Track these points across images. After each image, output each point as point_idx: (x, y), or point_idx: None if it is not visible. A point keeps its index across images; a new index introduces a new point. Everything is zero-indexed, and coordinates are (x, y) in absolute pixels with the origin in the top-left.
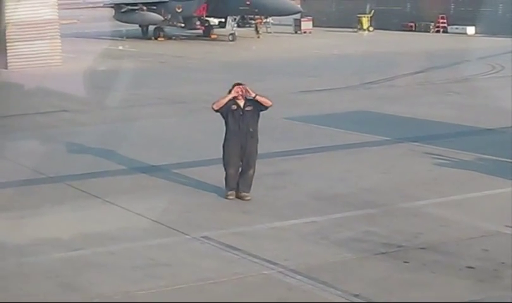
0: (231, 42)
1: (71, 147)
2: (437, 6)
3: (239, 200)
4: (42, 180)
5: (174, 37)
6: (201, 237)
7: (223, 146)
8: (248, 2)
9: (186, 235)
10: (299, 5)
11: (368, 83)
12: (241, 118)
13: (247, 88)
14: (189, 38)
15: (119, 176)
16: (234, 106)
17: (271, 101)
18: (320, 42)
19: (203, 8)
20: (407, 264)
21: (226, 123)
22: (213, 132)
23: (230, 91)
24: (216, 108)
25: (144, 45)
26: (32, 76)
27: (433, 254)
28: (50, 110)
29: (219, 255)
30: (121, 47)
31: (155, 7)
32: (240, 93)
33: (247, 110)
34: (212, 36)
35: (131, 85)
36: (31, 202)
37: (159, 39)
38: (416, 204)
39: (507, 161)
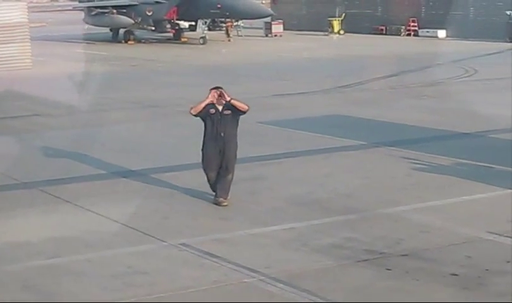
0: (201, 45)
1: (44, 151)
2: (408, 9)
3: (217, 207)
4: (15, 185)
5: (143, 40)
6: (179, 244)
7: (202, 150)
8: (218, 6)
9: (163, 241)
10: (270, 9)
11: (341, 86)
12: (219, 122)
13: (223, 91)
14: (159, 41)
15: (94, 181)
16: (213, 110)
17: (247, 105)
18: (291, 45)
19: (174, 11)
20: (389, 271)
21: (205, 127)
22: (187, 137)
23: (208, 97)
24: (194, 113)
25: (114, 48)
26: (1, 80)
27: (415, 261)
28: (21, 114)
29: (198, 263)
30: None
31: (125, 11)
32: (216, 97)
33: (225, 114)
34: (183, 40)
35: (103, 89)
36: (2, 207)
37: (129, 42)
38: (397, 210)
39: (484, 166)
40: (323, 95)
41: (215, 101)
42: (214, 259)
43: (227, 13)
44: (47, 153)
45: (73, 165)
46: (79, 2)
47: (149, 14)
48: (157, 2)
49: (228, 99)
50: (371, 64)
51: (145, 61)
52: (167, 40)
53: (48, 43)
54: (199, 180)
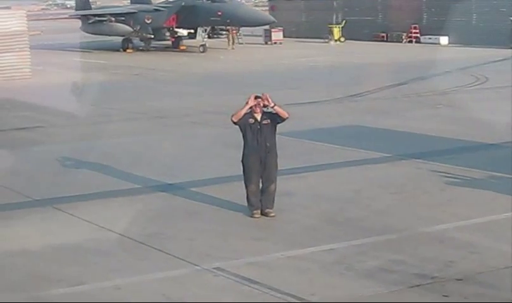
0: (201, 54)
1: (56, 166)
2: (409, 16)
3: (247, 225)
4: (29, 203)
5: (141, 48)
6: (214, 268)
7: (242, 162)
8: (219, 13)
9: (196, 265)
10: (271, 16)
11: (352, 95)
12: (259, 133)
13: (267, 96)
14: (157, 49)
15: (112, 198)
16: (252, 120)
17: (288, 113)
18: (293, 53)
19: (173, 19)
20: (447, 297)
21: (244, 137)
22: (201, 149)
23: (247, 102)
24: (235, 120)
25: (113, 57)
26: (2, 90)
27: (472, 286)
28: (27, 126)
29: (237, 290)
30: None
31: (123, 19)
32: (257, 103)
33: (264, 124)
34: (181, 48)
35: (107, 99)
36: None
37: (128, 51)
38: (438, 228)
39: None
40: (335, 104)
41: (255, 108)
42: (254, 286)
43: (228, 21)
44: (59, 167)
45: (88, 180)
46: (76, 10)
47: (148, 22)
48: (156, 9)
49: (272, 105)
50: (378, 72)
51: (147, 70)
52: (166, 48)
53: (45, 52)
54: (223, 195)
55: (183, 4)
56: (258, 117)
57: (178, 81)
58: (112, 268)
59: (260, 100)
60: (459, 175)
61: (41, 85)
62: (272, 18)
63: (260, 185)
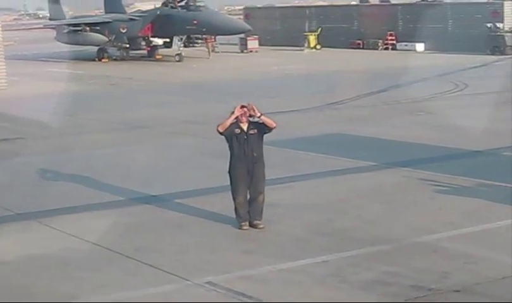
0: (177, 63)
1: (37, 178)
2: (385, 23)
3: (236, 237)
4: (11, 217)
5: (114, 57)
6: (205, 282)
7: (229, 173)
8: (195, 22)
9: (187, 280)
10: (247, 24)
11: (332, 103)
12: (245, 143)
13: (253, 105)
14: (133, 58)
15: (96, 210)
16: (238, 130)
17: (275, 122)
18: (270, 61)
19: (148, 28)
20: None
21: (230, 148)
22: (184, 160)
23: (233, 112)
24: (221, 130)
25: (88, 66)
26: None
27: (471, 297)
28: (6, 137)
29: None
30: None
31: (98, 28)
32: (243, 113)
33: (251, 134)
34: (157, 57)
35: (85, 109)
36: None
37: (103, 60)
38: (431, 238)
39: (509, 187)
40: (316, 112)
41: (241, 118)
42: (248, 300)
43: (204, 29)
44: (40, 179)
45: (70, 192)
46: (50, 19)
47: (123, 31)
48: (131, 19)
49: (258, 114)
50: (356, 80)
51: (123, 80)
52: (141, 58)
53: (20, 63)
54: (210, 207)
55: (158, 12)
56: (245, 127)
57: (156, 90)
58: (101, 283)
59: (246, 109)
60: (447, 183)
61: (17, 96)
62: (248, 26)
63: (248, 196)
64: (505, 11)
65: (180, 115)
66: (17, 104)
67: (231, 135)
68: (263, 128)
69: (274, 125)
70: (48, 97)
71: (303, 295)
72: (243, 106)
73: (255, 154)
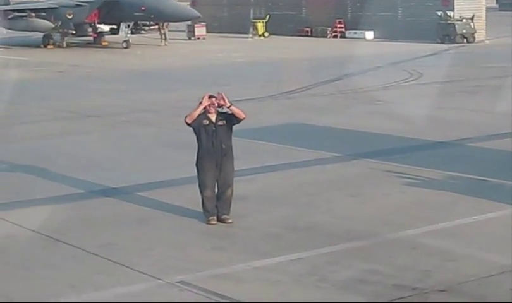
0: (125, 50)
1: None
2: (334, 11)
3: (205, 233)
4: None
5: (57, 43)
6: (178, 282)
7: (196, 165)
8: (143, 8)
9: (159, 279)
10: (196, 11)
11: (287, 92)
12: (214, 134)
13: (223, 95)
14: (79, 45)
15: (52, 204)
16: (206, 121)
17: (245, 113)
18: (219, 48)
19: (95, 14)
20: None
21: (198, 140)
22: (142, 150)
23: (201, 103)
24: (189, 121)
25: (34, 53)
26: None
27: (457, 297)
28: None
29: None
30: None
31: (44, 14)
32: (211, 103)
33: (219, 125)
34: (103, 44)
35: (34, 97)
36: None
37: (48, 47)
38: (407, 234)
39: (478, 179)
40: (272, 101)
41: (209, 109)
42: (224, 301)
43: (152, 16)
44: None
45: (26, 185)
46: None
47: (69, 17)
48: (77, 5)
49: (228, 104)
50: (309, 68)
51: (71, 67)
52: (87, 44)
53: None
54: (173, 200)
55: None
56: (213, 117)
57: (105, 78)
58: (66, 283)
59: (214, 99)
60: (415, 176)
61: None
62: (197, 13)
63: (216, 189)
64: None
65: (132, 104)
66: None
67: (199, 126)
68: (232, 119)
69: (244, 116)
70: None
71: (282, 295)
72: (211, 96)
73: (224, 147)
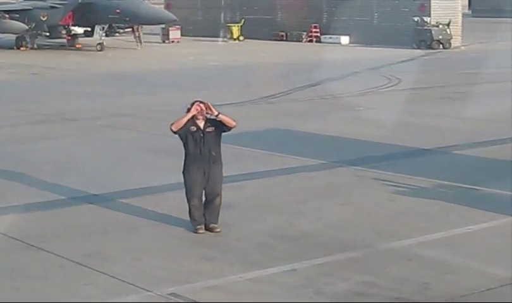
0: (99, 52)
1: None
2: (309, 15)
3: (193, 242)
4: None
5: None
6: (169, 294)
7: (183, 173)
8: (117, 10)
9: (149, 291)
10: (171, 14)
11: (267, 96)
12: (202, 141)
13: (209, 105)
14: (53, 47)
15: (33, 212)
16: (194, 128)
17: (235, 121)
18: (193, 52)
19: (69, 16)
20: None
21: (185, 146)
22: (124, 155)
23: (189, 110)
24: (175, 129)
25: (7, 55)
26: None
27: None
28: None
29: None
30: None
31: (18, 15)
32: (200, 110)
33: (208, 132)
34: (77, 46)
35: (10, 100)
36: None
37: (21, 49)
38: (401, 245)
39: (467, 188)
40: (251, 106)
41: (197, 115)
42: None
43: (127, 18)
44: None
45: (3, 191)
46: None
47: (43, 19)
48: (52, 7)
49: (216, 113)
50: (286, 72)
51: (45, 69)
52: (61, 46)
53: None
54: (158, 208)
55: (80, 1)
56: (201, 124)
57: (80, 80)
58: (52, 295)
59: (202, 105)
60: (403, 184)
61: None
62: (173, 16)
63: (204, 198)
64: (432, 5)
65: (108, 107)
66: None
67: (185, 133)
68: (221, 126)
69: (234, 124)
70: None
71: None
72: (199, 103)
73: (213, 153)
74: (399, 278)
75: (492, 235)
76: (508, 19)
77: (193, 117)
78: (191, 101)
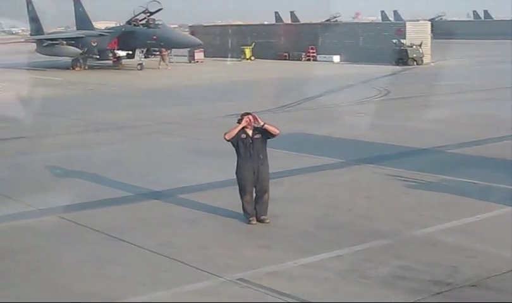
0: (139, 71)
1: (49, 173)
2: (307, 38)
3: (248, 232)
4: (33, 212)
5: (77, 66)
6: (237, 279)
7: (236, 173)
8: (154, 37)
9: (219, 277)
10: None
11: (283, 106)
12: (251, 146)
13: (256, 116)
14: (101, 67)
15: (107, 207)
16: (244, 135)
17: (279, 129)
18: (216, 70)
19: (115, 42)
20: None
21: (237, 151)
22: (174, 157)
23: (239, 121)
24: (228, 138)
25: (65, 74)
26: None
27: (488, 293)
28: (8, 137)
29: None
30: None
31: (73, 42)
32: (249, 122)
33: (256, 138)
34: (120, 66)
35: (73, 111)
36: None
37: (76, 69)
38: (425, 232)
39: (468, 182)
40: (271, 114)
41: (247, 126)
42: (285, 298)
43: (162, 43)
44: (51, 175)
45: (82, 188)
46: (31, 35)
47: (94, 44)
48: (100, 34)
49: (262, 124)
50: (294, 86)
51: (98, 85)
52: (108, 67)
53: (3, 70)
54: (213, 202)
55: (123, 29)
56: (250, 132)
57: (127, 94)
58: (138, 281)
59: (251, 117)
60: (414, 179)
61: (8, 100)
62: (199, 41)
63: (254, 194)
64: (407, 29)
65: (153, 116)
66: (9, 107)
67: (237, 140)
68: (266, 134)
69: (278, 132)
70: (36, 101)
71: (333, 292)
72: (247, 114)
73: (260, 156)
74: (429, 263)
75: (499, 223)
76: (460, 40)
77: (243, 127)
78: (241, 113)
